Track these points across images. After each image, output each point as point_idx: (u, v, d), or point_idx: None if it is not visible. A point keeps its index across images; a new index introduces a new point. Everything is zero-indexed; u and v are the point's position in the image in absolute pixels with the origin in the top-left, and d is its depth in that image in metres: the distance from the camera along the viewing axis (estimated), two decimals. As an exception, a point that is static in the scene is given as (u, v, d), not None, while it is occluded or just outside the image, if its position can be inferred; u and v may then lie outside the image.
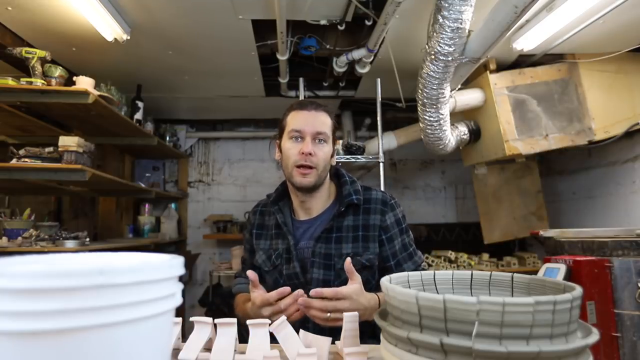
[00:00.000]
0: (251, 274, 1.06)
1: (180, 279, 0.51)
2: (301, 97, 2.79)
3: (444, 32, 1.80)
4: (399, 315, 0.56)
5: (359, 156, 2.75)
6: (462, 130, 2.78)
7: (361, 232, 1.20)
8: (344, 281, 1.16)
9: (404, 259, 1.21)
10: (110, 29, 2.02)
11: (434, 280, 0.74)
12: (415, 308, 0.53)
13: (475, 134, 2.78)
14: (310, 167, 1.17)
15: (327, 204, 1.27)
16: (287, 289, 1.04)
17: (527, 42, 2.25)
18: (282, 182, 1.31)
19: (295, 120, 1.20)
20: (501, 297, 0.48)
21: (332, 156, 1.25)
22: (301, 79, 2.81)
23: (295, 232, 1.25)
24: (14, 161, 2.06)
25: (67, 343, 0.38)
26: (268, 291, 1.28)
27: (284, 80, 2.84)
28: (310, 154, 1.16)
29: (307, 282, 1.18)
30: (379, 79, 2.71)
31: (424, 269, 1.18)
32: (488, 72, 2.61)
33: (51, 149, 2.14)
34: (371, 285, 1.19)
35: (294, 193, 1.26)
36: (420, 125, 2.45)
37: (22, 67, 2.24)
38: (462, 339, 0.49)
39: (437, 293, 0.63)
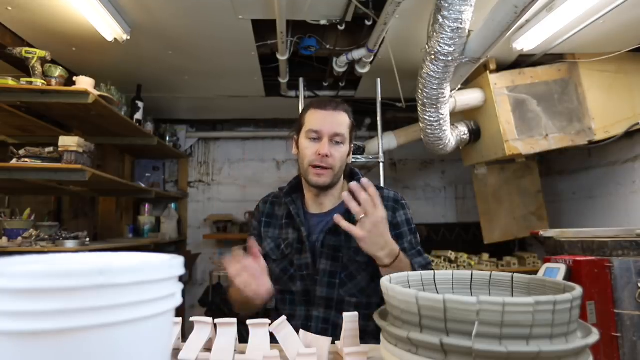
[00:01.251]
0: (252, 241, 1.08)
1: (180, 279, 0.51)
2: (301, 97, 2.79)
3: (444, 32, 1.80)
4: (398, 315, 0.56)
5: (359, 156, 2.75)
6: (462, 130, 2.78)
7: None
8: (350, 273, 1.18)
9: (413, 255, 1.22)
10: (110, 29, 2.02)
11: (434, 280, 0.74)
12: (415, 308, 0.53)
13: (475, 134, 2.78)
14: (325, 168, 1.19)
15: (340, 201, 1.29)
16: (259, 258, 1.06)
17: (527, 42, 2.25)
18: (295, 176, 1.33)
19: (314, 119, 1.21)
20: (501, 297, 0.48)
21: (348, 155, 1.26)
22: (301, 79, 2.81)
23: (307, 224, 1.27)
24: (14, 161, 2.06)
25: (67, 343, 0.38)
26: (274, 280, 1.28)
27: (284, 80, 2.84)
28: (326, 155, 1.17)
29: (316, 273, 1.20)
30: (379, 79, 2.71)
31: (432, 268, 1.19)
32: (488, 72, 2.60)
33: (51, 149, 2.14)
34: (379, 280, 1.19)
35: (307, 188, 1.28)
36: (420, 125, 2.45)
37: (22, 67, 2.24)
38: (462, 339, 0.49)
39: (437, 293, 0.63)
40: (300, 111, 1.30)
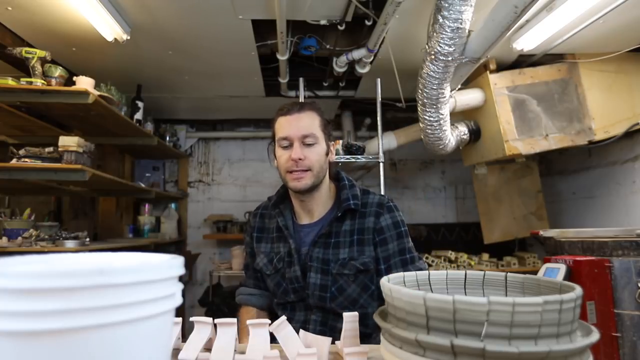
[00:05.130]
0: None
1: (180, 279, 0.51)
2: (301, 97, 2.79)
3: (444, 32, 1.80)
4: (403, 317, 0.56)
5: (359, 156, 2.75)
6: (462, 130, 2.78)
7: (356, 236, 1.19)
8: (340, 286, 1.16)
9: (396, 265, 1.17)
10: (110, 29, 2.02)
11: (429, 281, 0.74)
12: (422, 309, 0.52)
13: (475, 134, 2.78)
14: (303, 171, 1.16)
15: (328, 207, 1.26)
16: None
17: (527, 42, 2.25)
18: (282, 185, 1.29)
19: (282, 127, 1.20)
20: (511, 298, 0.48)
21: (327, 154, 1.22)
22: (301, 79, 2.81)
23: (297, 235, 1.24)
24: (14, 161, 2.06)
25: (67, 343, 0.38)
26: (270, 293, 1.28)
27: (284, 80, 2.84)
28: (300, 159, 1.15)
29: (305, 286, 1.18)
30: (379, 79, 2.71)
31: None
32: (488, 72, 2.60)
33: (51, 149, 2.14)
34: (371, 290, 1.17)
35: (294, 196, 1.26)
36: (420, 125, 2.45)
37: (22, 67, 2.24)
38: (472, 340, 0.48)
39: (432, 293, 0.63)
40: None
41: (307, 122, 1.19)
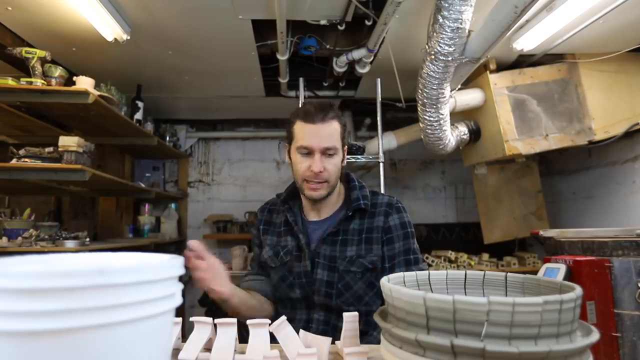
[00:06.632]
0: (194, 243, 1.06)
1: (180, 279, 0.51)
2: (301, 97, 2.79)
3: (444, 32, 1.80)
4: (403, 317, 0.56)
5: (359, 156, 2.75)
6: (462, 130, 2.78)
7: (365, 234, 1.21)
8: (346, 283, 1.17)
9: (399, 264, 1.19)
10: (110, 29, 2.02)
11: (429, 281, 0.74)
12: (422, 309, 0.52)
13: (475, 134, 2.78)
14: (321, 182, 1.18)
15: (337, 206, 1.28)
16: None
17: (527, 42, 2.25)
18: (292, 182, 1.30)
19: (304, 135, 1.17)
20: (511, 298, 0.48)
21: (342, 160, 1.24)
22: (301, 79, 2.81)
23: (304, 231, 1.26)
24: (14, 161, 2.06)
25: (67, 343, 0.38)
26: (272, 287, 1.28)
27: (284, 80, 2.84)
28: (320, 171, 1.16)
29: (313, 282, 1.20)
30: (379, 79, 2.71)
31: None
32: (488, 72, 2.60)
33: (51, 149, 2.14)
34: (376, 288, 1.18)
35: (304, 197, 1.27)
36: (420, 125, 2.45)
37: (22, 67, 2.24)
38: (472, 340, 0.48)
39: (432, 293, 0.63)
40: (290, 115, 1.26)
41: (329, 133, 1.17)
